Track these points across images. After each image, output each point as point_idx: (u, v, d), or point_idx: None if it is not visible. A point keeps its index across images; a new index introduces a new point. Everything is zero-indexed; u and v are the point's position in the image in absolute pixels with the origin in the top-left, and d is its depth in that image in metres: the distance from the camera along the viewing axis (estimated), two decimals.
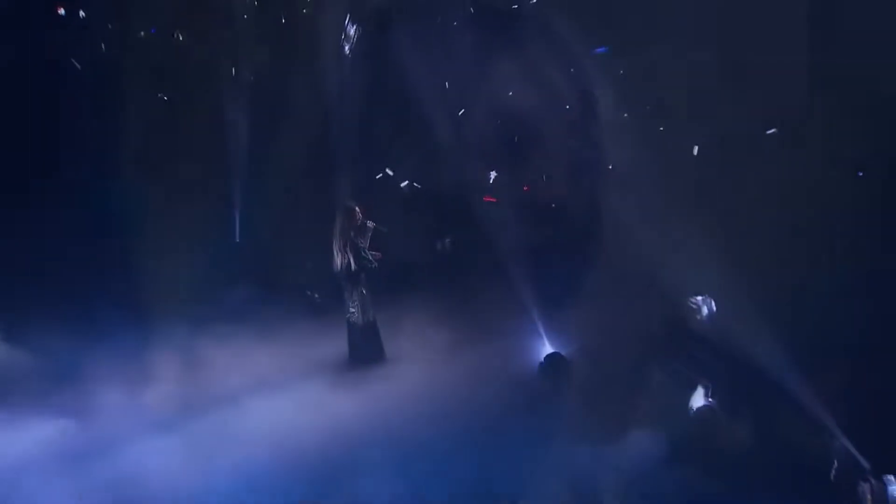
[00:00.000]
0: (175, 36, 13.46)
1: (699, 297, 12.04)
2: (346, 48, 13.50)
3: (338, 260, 12.28)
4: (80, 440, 10.87)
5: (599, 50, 13.41)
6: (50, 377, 11.73)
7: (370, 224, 12.27)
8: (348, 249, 12.28)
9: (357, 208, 12.31)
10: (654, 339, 11.86)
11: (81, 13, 13.05)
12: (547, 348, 12.20)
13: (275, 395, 11.48)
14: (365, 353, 12.31)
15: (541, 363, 12.00)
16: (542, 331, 12.42)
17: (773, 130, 12.76)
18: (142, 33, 13.38)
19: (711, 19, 12.73)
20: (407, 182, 13.89)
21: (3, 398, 11.33)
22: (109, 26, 13.26)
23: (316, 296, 13.18)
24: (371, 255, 12.22)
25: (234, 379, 11.80)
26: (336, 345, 12.28)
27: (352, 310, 12.23)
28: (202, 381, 11.75)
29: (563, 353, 12.05)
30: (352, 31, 13.51)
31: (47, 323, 11.83)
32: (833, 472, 10.70)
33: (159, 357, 11.88)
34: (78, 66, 13.11)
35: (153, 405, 11.32)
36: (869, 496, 10.36)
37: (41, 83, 12.98)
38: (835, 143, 12.26)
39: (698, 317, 12.04)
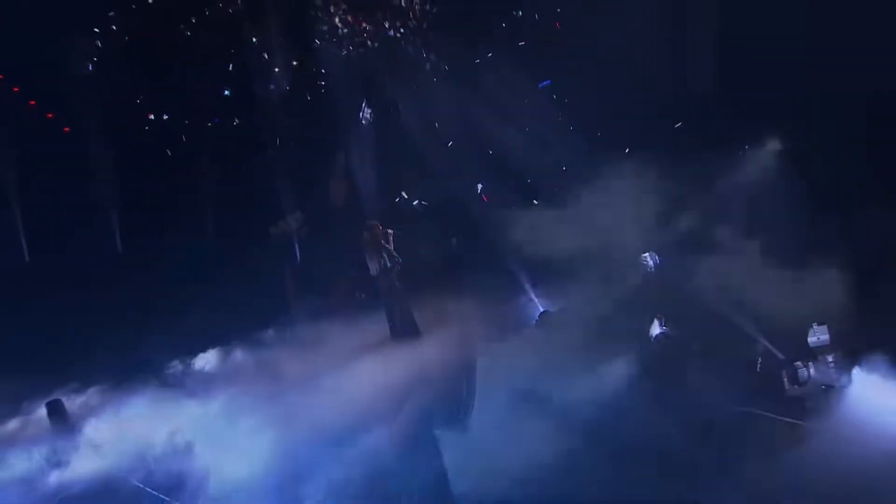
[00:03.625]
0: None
1: (646, 254, 14.91)
2: (364, 111, 16.84)
3: (372, 265, 15.56)
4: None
5: (543, 83, 16.00)
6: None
7: (391, 232, 14.97)
8: (378, 255, 15.56)
9: (378, 224, 15.58)
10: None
11: None
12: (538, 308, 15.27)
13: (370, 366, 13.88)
14: (403, 331, 15.55)
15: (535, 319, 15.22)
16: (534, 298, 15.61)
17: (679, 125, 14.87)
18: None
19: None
20: (417, 201, 17.48)
21: None
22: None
23: (363, 295, 16.23)
24: (396, 256, 15.40)
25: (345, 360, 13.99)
26: (381, 327, 14.77)
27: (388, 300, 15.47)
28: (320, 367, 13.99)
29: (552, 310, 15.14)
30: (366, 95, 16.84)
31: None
32: (758, 365, 14.12)
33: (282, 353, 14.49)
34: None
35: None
36: (785, 378, 13.79)
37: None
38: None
39: (648, 269, 14.99)
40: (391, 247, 15.26)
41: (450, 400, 13.27)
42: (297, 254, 16.78)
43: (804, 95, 14.07)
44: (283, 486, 12.35)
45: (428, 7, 15.95)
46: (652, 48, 14.36)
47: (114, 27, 14.56)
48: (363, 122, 16.85)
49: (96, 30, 14.51)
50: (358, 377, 13.46)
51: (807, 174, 13.97)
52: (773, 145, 14.47)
